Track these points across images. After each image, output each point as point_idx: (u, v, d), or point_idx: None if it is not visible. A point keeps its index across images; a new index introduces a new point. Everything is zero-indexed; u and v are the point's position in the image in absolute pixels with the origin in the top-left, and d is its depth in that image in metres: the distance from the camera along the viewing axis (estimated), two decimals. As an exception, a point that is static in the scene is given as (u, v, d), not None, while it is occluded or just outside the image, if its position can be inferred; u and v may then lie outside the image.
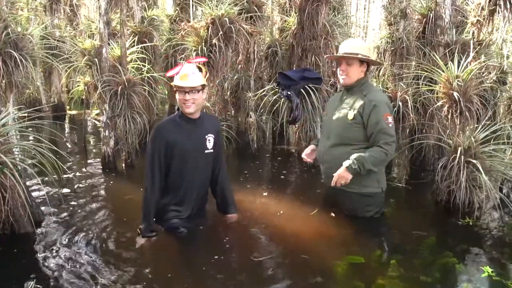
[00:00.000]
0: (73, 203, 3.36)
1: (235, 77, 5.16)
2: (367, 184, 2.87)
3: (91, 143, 5.95)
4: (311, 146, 3.19)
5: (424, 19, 4.48)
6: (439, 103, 3.48)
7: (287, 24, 5.35)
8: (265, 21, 5.45)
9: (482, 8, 3.79)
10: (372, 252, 2.53)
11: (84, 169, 4.44)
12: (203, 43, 4.26)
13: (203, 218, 2.87)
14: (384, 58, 4.83)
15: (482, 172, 2.98)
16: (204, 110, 3.65)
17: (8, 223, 2.61)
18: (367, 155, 2.73)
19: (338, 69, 2.98)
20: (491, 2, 3.71)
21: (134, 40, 5.12)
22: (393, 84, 4.63)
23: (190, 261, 2.48)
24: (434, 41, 4.38)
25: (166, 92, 6.81)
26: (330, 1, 4.65)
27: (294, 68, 4.72)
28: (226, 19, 4.20)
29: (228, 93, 5.22)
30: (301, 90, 4.34)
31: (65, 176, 3.79)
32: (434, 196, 3.35)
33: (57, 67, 5.89)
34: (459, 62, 3.31)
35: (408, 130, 4.44)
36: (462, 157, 3.09)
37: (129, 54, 4.68)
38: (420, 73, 3.87)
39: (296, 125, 4.67)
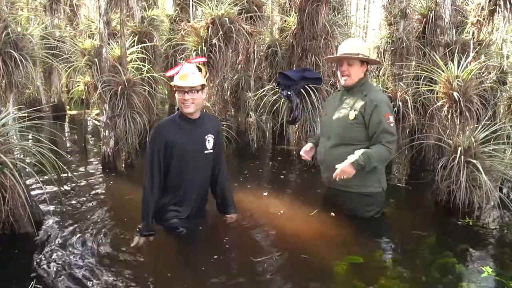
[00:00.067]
0: (73, 203, 3.36)
1: (235, 77, 5.16)
2: (368, 184, 2.87)
3: (91, 143, 5.95)
4: (309, 144, 3.18)
5: (424, 19, 4.49)
6: (439, 103, 3.48)
7: (287, 24, 5.35)
8: (265, 21, 5.46)
9: (482, 8, 3.79)
10: (372, 252, 2.53)
11: (84, 169, 4.44)
12: (203, 43, 4.26)
13: (202, 218, 2.87)
14: (384, 58, 4.83)
15: (482, 172, 2.98)
16: (204, 110, 3.65)
17: (8, 223, 2.61)
18: (373, 151, 2.71)
19: (339, 70, 2.96)
20: (491, 2, 3.71)
21: (134, 40, 5.13)
22: (393, 84, 4.64)
23: (190, 261, 2.47)
24: (434, 41, 4.38)
25: (166, 92, 6.81)
26: (330, 1, 4.65)
27: (294, 68, 4.72)
28: (226, 19, 4.20)
29: (228, 93, 5.22)
30: (301, 90, 4.34)
31: (65, 175, 3.79)
32: (434, 196, 3.35)
33: (57, 67, 5.90)
34: (459, 62, 3.31)
35: (408, 130, 4.44)
36: (462, 157, 3.09)
37: (129, 54, 4.68)
38: (420, 73, 3.87)
39: (296, 125, 4.67)
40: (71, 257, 2.44)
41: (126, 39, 4.58)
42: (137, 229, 2.60)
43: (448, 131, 3.45)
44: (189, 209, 2.74)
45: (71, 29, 8.01)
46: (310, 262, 2.41)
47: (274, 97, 4.73)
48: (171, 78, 2.75)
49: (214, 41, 4.18)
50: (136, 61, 4.76)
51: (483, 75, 4.53)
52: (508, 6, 3.57)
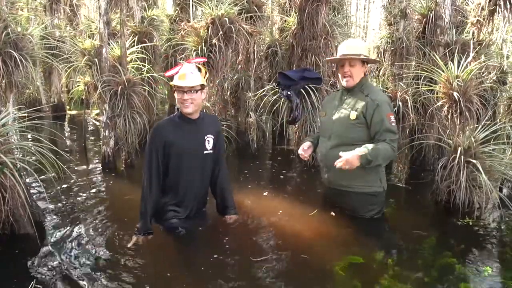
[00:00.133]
0: (73, 202, 3.37)
1: (235, 77, 5.16)
2: (371, 184, 2.87)
3: (91, 143, 5.95)
4: (307, 143, 3.15)
5: (424, 19, 4.49)
6: (439, 103, 3.48)
7: (287, 24, 5.35)
8: (265, 21, 5.46)
9: (482, 8, 3.79)
10: (372, 252, 2.52)
11: (84, 169, 4.44)
12: (203, 43, 4.26)
13: (202, 218, 2.87)
14: (384, 58, 4.83)
15: (482, 172, 2.98)
16: (204, 110, 3.65)
17: (8, 223, 2.61)
18: (381, 148, 2.69)
19: (340, 71, 2.93)
20: (491, 2, 3.71)
21: (134, 40, 5.13)
22: (393, 84, 4.64)
23: (190, 261, 2.47)
24: (434, 41, 4.38)
25: (166, 92, 6.81)
26: (330, 1, 4.65)
27: (294, 68, 4.72)
28: (226, 19, 4.20)
29: (228, 93, 5.22)
30: (301, 90, 4.34)
31: (65, 175, 3.78)
32: (434, 196, 3.35)
33: (57, 67, 5.90)
34: (459, 62, 3.31)
35: (408, 130, 4.44)
36: (462, 157, 3.09)
37: (129, 54, 4.68)
38: (420, 73, 3.87)
39: (296, 125, 4.67)
40: (71, 257, 2.44)
41: (126, 39, 4.58)
42: (135, 228, 2.60)
43: (448, 131, 3.45)
44: (189, 209, 2.74)
45: (71, 29, 8.01)
46: (310, 262, 2.41)
47: (274, 97, 4.73)
48: (171, 78, 2.76)
49: (214, 41, 4.18)
50: (136, 61, 4.76)
51: (483, 75, 4.53)
52: (508, 6, 3.57)
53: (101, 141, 4.55)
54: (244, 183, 3.94)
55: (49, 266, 2.33)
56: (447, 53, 4.19)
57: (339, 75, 2.97)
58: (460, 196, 3.06)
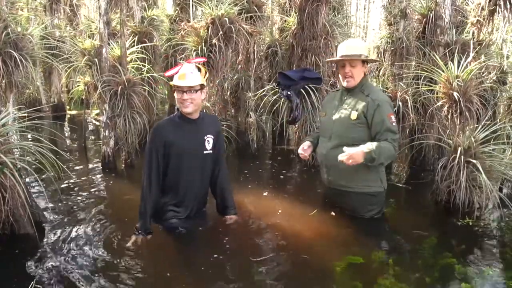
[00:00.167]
0: (73, 202, 3.36)
1: (235, 77, 5.16)
2: (372, 184, 2.87)
3: (91, 143, 5.95)
4: (307, 142, 3.14)
5: (424, 19, 4.49)
6: (439, 103, 3.48)
7: (287, 24, 5.35)
8: (265, 21, 5.45)
9: (482, 8, 3.79)
10: (372, 252, 2.52)
11: (84, 169, 4.44)
12: (203, 43, 4.26)
13: (202, 218, 2.87)
14: (384, 58, 4.83)
15: (482, 172, 2.98)
16: (204, 110, 3.65)
17: (8, 223, 2.61)
18: (384, 146, 2.68)
19: (341, 72, 2.92)
20: (491, 2, 3.71)
21: (134, 40, 5.13)
22: (393, 84, 4.64)
23: (190, 261, 2.47)
24: (434, 41, 4.38)
25: (166, 92, 6.81)
26: (330, 1, 4.65)
27: (294, 68, 4.72)
28: (226, 19, 4.20)
29: (228, 93, 5.22)
30: (301, 90, 4.34)
31: (65, 175, 3.79)
32: (434, 196, 3.35)
33: (57, 67, 5.90)
34: (459, 62, 3.31)
35: (408, 130, 4.44)
36: (462, 157, 3.09)
37: (129, 54, 4.68)
38: (420, 73, 3.87)
39: (296, 125, 4.67)
40: (71, 257, 2.44)
41: (126, 39, 4.58)
42: (135, 228, 2.60)
43: (448, 131, 3.45)
44: (189, 209, 2.74)
45: (71, 29, 8.01)
46: (310, 262, 2.41)
47: (274, 97, 4.73)
48: (170, 78, 2.76)
49: (214, 41, 4.18)
50: (136, 61, 4.76)
51: (483, 75, 4.53)
52: (508, 6, 3.57)
53: (101, 141, 4.55)
54: (244, 183, 3.94)
55: (49, 266, 2.33)
56: (447, 53, 4.19)
57: (340, 75, 2.96)
58: (460, 196, 3.06)
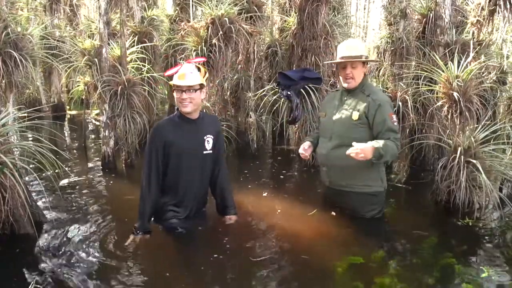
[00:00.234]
0: (72, 202, 3.36)
1: (235, 77, 5.16)
2: (372, 183, 2.87)
3: (91, 143, 5.95)
4: (307, 142, 3.13)
5: (424, 19, 4.49)
6: (439, 103, 3.48)
7: (287, 24, 5.35)
8: (265, 21, 5.46)
9: (482, 8, 3.79)
10: (372, 252, 2.52)
11: (84, 169, 4.44)
12: (203, 43, 4.26)
13: (202, 218, 2.87)
14: (384, 58, 4.83)
15: (482, 172, 2.98)
16: (204, 110, 3.65)
17: (8, 223, 2.61)
18: (390, 145, 2.66)
19: (342, 73, 2.91)
20: (491, 2, 3.71)
21: (134, 40, 5.13)
22: (393, 84, 4.63)
23: (189, 261, 2.47)
24: (434, 41, 4.38)
25: (166, 92, 6.81)
26: (330, 1, 4.66)
27: (294, 68, 4.72)
28: (226, 19, 4.20)
29: (228, 93, 5.22)
30: (301, 90, 4.34)
31: (65, 175, 3.79)
32: (434, 196, 3.35)
33: (57, 67, 5.89)
34: (459, 62, 3.31)
35: (408, 130, 4.44)
36: (462, 157, 3.09)
37: (129, 54, 4.68)
38: (420, 73, 3.87)
39: (296, 125, 4.67)
40: (71, 257, 2.43)
41: (126, 39, 4.58)
42: (133, 228, 2.60)
43: (448, 131, 3.45)
44: (188, 209, 2.74)
45: (71, 29, 8.01)
46: (310, 262, 2.41)
47: (274, 97, 4.73)
48: (170, 77, 2.76)
49: (214, 41, 4.18)
50: (136, 61, 4.76)
51: (483, 75, 4.53)
52: (508, 6, 3.57)
53: (101, 141, 4.55)
54: (244, 183, 3.94)
55: (49, 266, 2.33)
56: (447, 53, 4.19)
57: (340, 76, 2.95)
58: (460, 196, 3.06)
